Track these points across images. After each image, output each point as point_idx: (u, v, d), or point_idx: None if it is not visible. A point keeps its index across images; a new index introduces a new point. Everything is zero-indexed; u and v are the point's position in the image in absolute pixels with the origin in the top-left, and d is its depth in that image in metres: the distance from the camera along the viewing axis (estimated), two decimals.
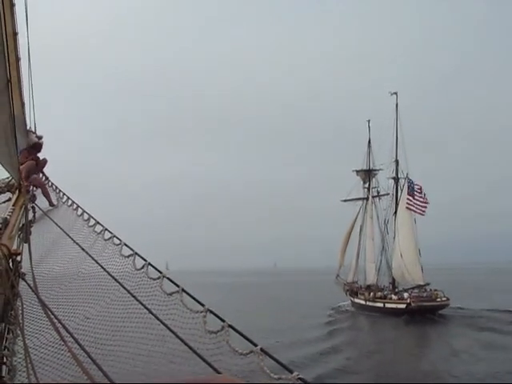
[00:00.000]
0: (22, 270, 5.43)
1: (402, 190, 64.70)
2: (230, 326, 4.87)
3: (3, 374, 4.50)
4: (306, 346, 36.21)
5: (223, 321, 4.94)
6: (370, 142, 73.05)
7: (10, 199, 7.19)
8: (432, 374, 28.08)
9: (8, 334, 4.69)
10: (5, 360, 4.55)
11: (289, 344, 36.00)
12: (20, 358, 4.66)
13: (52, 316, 5.13)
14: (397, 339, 43.29)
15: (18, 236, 6.24)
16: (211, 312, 5.14)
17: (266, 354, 4.50)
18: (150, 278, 5.96)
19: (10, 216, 6.08)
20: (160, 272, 5.96)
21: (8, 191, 7.71)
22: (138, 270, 6.20)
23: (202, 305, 5.21)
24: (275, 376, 4.30)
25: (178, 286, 5.59)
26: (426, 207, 61.65)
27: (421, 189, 61.93)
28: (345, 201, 74.24)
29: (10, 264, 5.09)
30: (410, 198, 62.23)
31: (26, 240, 6.39)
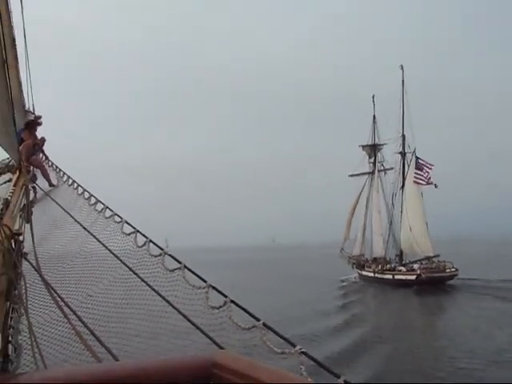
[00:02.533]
0: (25, 250, 5.45)
1: (408, 165, 65.38)
2: (232, 302, 4.90)
3: (9, 352, 4.56)
4: (325, 319, 36.47)
5: (225, 296, 4.97)
6: (374, 117, 74.08)
7: (10, 180, 7.19)
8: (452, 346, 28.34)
9: (12, 313, 4.74)
10: (10, 339, 4.60)
11: (305, 318, 36.03)
12: (25, 336, 4.71)
13: (55, 294, 5.17)
14: (412, 308, 44.87)
15: (20, 216, 6.25)
16: (213, 288, 5.16)
17: (269, 328, 4.53)
18: (152, 255, 5.98)
19: (10, 196, 6.09)
20: (161, 249, 5.97)
21: (8, 171, 7.70)
22: (140, 247, 6.21)
23: (204, 281, 5.24)
24: (278, 350, 4.35)
25: (179, 262, 5.61)
26: (430, 178, 62.34)
27: (426, 164, 62.76)
28: (351, 175, 75.24)
29: (13, 244, 5.12)
30: (418, 171, 62.92)
31: (28, 220, 6.40)
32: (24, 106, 8.49)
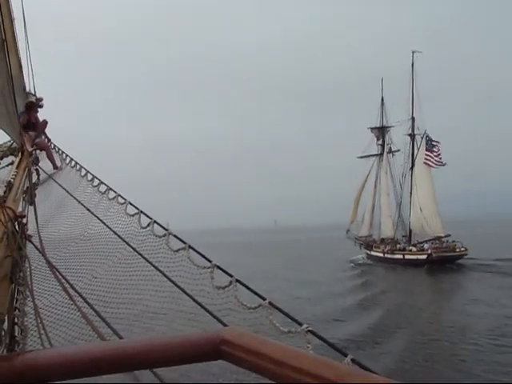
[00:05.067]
0: (29, 233, 5.43)
1: (418, 147, 66.39)
2: (237, 281, 4.86)
3: (16, 334, 4.56)
4: (340, 300, 36.56)
5: (231, 276, 4.93)
6: (382, 99, 75.35)
7: (13, 162, 7.14)
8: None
9: (18, 295, 4.73)
10: (16, 320, 4.60)
11: (318, 299, 36.31)
12: (31, 318, 4.71)
13: (60, 276, 5.16)
14: (429, 286, 47.09)
15: (23, 199, 6.22)
16: (218, 267, 5.12)
17: (275, 307, 4.49)
18: (156, 236, 5.94)
19: (13, 179, 6.04)
20: (166, 229, 5.92)
21: (11, 154, 7.65)
22: (144, 228, 6.17)
23: (209, 261, 5.19)
24: (285, 329, 4.32)
25: (184, 242, 5.56)
26: (441, 160, 63.10)
27: (437, 145, 63.60)
28: (360, 157, 76.53)
29: (16, 227, 5.09)
30: (429, 153, 63.80)
31: (31, 202, 6.37)
32: (25, 88, 8.41)
